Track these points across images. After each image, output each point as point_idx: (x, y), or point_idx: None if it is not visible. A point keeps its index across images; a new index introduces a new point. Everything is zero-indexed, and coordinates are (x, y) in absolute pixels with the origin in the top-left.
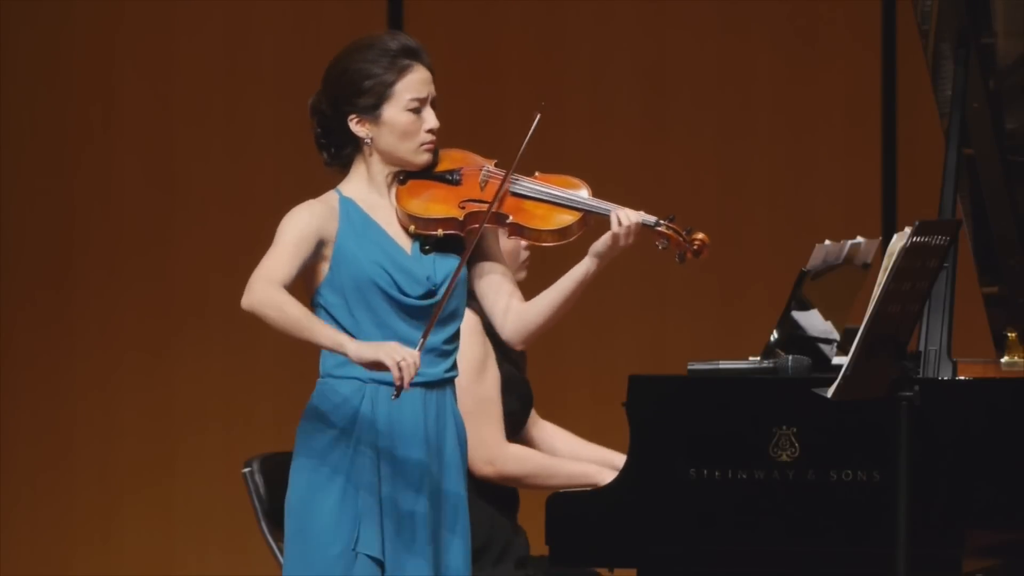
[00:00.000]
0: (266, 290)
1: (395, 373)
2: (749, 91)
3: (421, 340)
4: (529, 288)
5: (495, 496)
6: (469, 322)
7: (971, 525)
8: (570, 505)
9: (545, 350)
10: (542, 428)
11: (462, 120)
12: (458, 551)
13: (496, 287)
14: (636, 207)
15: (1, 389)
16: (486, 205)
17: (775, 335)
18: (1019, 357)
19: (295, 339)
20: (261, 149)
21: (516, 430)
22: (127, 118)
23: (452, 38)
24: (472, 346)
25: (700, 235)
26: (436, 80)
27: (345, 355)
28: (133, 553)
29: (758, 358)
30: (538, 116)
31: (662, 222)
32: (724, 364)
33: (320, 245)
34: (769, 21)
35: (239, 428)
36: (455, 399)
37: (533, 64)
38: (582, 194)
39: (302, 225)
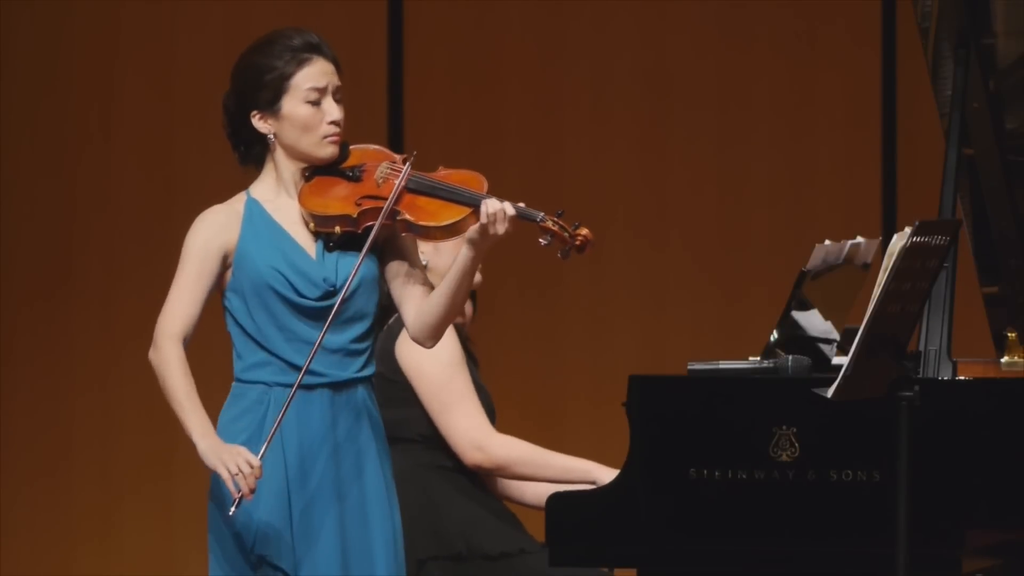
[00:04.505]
0: (164, 351)
1: (229, 485)
2: (749, 94)
3: (316, 343)
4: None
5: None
6: None
7: (971, 525)
8: (570, 505)
9: (545, 350)
10: (509, 482)
11: (461, 123)
12: (382, 553)
13: (406, 288)
14: (637, 213)
15: (1, 389)
16: (380, 202)
17: (775, 335)
18: (1019, 357)
19: None
20: None
21: None
22: (127, 118)
23: (452, 40)
24: (450, 344)
25: (584, 231)
26: (436, 82)
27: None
28: (133, 553)
29: (758, 358)
30: (410, 162)
31: (547, 217)
32: (724, 364)
33: (225, 257)
34: (768, 24)
35: None
36: (371, 398)
37: (533, 68)
38: (478, 189)
39: (201, 245)
